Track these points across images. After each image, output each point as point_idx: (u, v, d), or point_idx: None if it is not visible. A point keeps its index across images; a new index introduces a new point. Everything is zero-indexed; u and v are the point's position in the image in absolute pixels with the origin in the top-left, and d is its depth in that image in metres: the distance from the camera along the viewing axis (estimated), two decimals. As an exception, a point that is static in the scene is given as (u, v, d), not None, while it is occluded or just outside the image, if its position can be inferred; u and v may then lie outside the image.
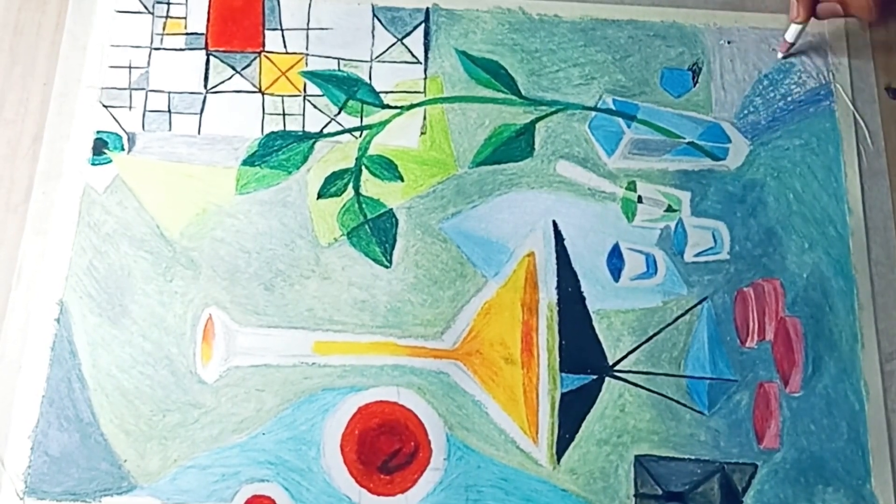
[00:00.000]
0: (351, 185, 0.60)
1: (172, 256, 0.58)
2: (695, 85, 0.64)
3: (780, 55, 0.65)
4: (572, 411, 0.56)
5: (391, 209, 0.60)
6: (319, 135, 0.62)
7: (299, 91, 0.63)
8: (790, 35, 0.63)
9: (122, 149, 0.61)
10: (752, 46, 0.65)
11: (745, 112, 0.63)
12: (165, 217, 0.59)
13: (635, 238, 0.60)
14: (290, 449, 0.54)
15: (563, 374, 0.56)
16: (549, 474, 0.55)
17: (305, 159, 0.61)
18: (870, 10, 0.60)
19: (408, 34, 0.64)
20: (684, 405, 0.56)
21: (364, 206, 0.60)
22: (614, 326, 0.58)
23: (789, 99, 0.63)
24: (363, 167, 0.61)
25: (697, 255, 0.59)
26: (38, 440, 0.54)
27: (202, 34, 0.64)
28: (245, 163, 0.61)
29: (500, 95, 0.63)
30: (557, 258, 0.59)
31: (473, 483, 0.54)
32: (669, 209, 0.60)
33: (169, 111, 0.62)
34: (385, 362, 0.56)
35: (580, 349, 0.57)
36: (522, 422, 0.56)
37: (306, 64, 0.63)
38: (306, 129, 0.62)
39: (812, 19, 0.62)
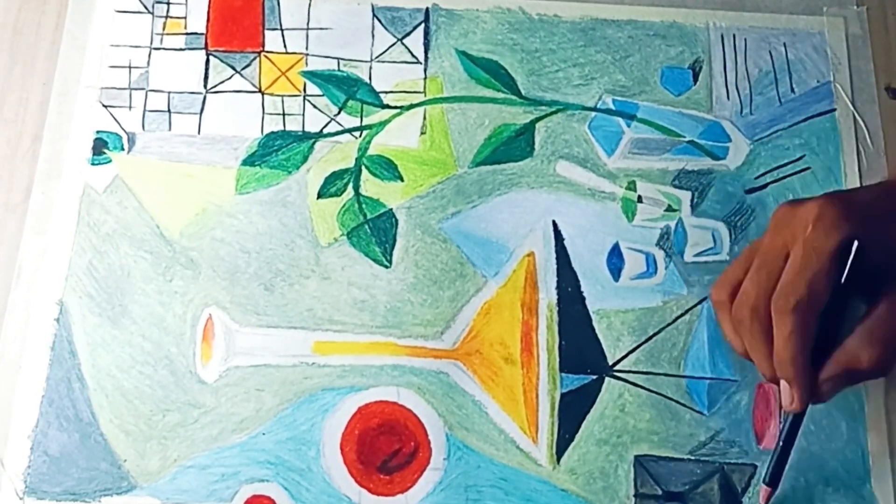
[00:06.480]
0: (351, 185, 0.60)
1: (172, 256, 0.58)
2: (695, 83, 0.64)
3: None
4: (572, 411, 0.56)
5: (391, 209, 0.60)
6: (319, 135, 0.62)
7: (299, 91, 0.63)
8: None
9: (122, 149, 0.61)
10: (752, 45, 0.65)
11: (746, 111, 0.63)
12: (165, 217, 0.59)
13: (635, 237, 0.60)
14: (289, 449, 0.54)
15: (563, 374, 0.56)
16: (549, 474, 0.54)
17: (305, 159, 0.61)
18: (883, 362, 0.49)
19: (407, 34, 0.64)
20: (684, 405, 0.56)
21: (364, 206, 0.60)
22: (614, 326, 0.58)
23: (789, 98, 0.63)
24: (363, 167, 0.61)
25: (697, 255, 0.59)
26: (38, 440, 0.54)
27: (202, 34, 0.64)
28: (245, 163, 0.61)
29: (500, 95, 0.63)
30: (557, 258, 0.59)
31: (473, 483, 0.54)
32: (669, 209, 0.60)
33: (169, 111, 0.62)
34: (385, 362, 0.56)
35: (580, 349, 0.57)
36: (522, 422, 0.55)
37: (306, 64, 0.63)
38: (306, 129, 0.62)
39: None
